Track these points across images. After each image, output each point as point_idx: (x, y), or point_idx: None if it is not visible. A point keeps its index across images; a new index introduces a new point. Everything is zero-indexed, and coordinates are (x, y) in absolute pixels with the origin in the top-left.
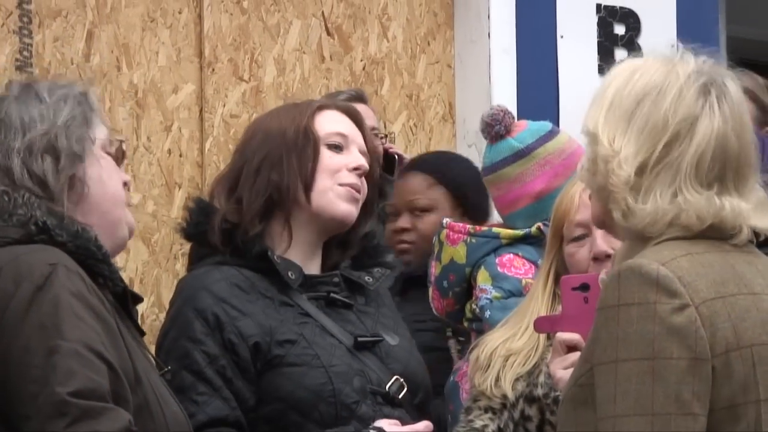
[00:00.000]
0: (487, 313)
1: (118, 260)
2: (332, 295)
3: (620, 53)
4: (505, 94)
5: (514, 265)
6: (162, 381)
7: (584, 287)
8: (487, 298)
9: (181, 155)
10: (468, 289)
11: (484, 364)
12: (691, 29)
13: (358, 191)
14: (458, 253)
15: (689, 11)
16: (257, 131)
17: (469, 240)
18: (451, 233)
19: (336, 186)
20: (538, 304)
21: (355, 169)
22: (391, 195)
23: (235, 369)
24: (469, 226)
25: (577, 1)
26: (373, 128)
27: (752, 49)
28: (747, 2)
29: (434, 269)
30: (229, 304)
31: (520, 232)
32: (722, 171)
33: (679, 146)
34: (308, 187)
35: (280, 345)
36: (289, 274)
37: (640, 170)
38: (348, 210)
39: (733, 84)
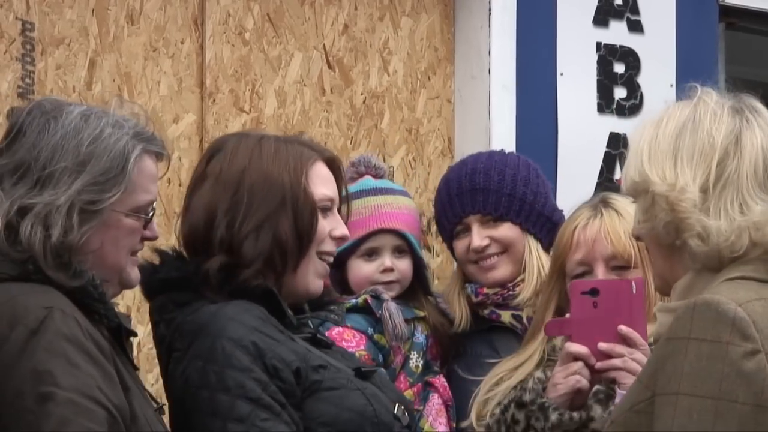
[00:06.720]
0: None
1: None
2: (318, 336)
3: (619, 92)
4: (504, 130)
5: (345, 338)
6: (157, 416)
7: (593, 292)
8: None
9: (180, 185)
10: None
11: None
12: (690, 68)
13: (331, 263)
14: None
15: (689, 50)
16: (256, 177)
17: None
18: None
19: (315, 258)
20: (536, 342)
21: (339, 238)
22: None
23: (281, 395)
24: None
25: (578, 39)
26: None
27: (751, 89)
28: (746, 42)
29: None
30: (262, 332)
31: (347, 304)
32: None
33: (732, 162)
34: (302, 252)
35: (315, 370)
36: (288, 312)
37: (703, 192)
38: (319, 287)
39: (760, 104)
